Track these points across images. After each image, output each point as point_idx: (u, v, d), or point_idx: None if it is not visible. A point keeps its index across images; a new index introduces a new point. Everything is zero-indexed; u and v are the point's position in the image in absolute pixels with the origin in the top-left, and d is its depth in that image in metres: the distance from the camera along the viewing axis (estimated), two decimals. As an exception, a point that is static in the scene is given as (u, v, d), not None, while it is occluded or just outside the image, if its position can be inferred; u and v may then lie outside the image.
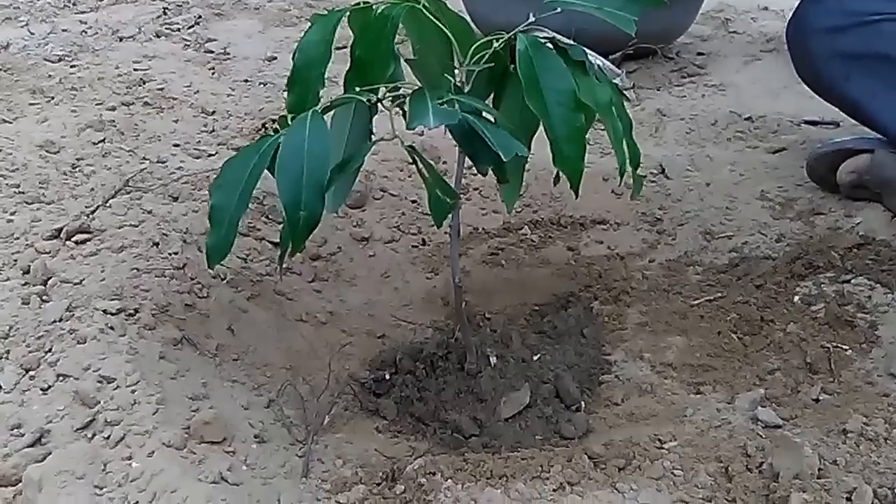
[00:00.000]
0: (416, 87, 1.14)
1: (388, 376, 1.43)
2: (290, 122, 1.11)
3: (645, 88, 2.51)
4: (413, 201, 1.88)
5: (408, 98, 1.14)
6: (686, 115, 2.32)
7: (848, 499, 1.04)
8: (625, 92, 1.32)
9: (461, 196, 1.28)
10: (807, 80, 1.85)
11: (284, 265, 1.59)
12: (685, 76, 2.60)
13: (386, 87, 1.18)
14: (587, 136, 1.18)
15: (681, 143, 2.18)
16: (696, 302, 1.54)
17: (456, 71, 1.20)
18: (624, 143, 1.25)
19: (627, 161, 1.26)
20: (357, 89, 1.17)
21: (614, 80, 1.29)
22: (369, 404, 1.40)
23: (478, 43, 1.20)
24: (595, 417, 1.36)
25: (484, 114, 1.13)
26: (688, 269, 1.66)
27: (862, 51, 1.59)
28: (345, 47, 1.17)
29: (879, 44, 1.55)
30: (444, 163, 1.95)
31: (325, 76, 1.18)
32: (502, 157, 1.07)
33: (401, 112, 1.16)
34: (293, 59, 1.19)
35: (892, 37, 1.48)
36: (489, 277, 1.73)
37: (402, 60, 1.22)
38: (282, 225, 1.13)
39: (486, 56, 1.20)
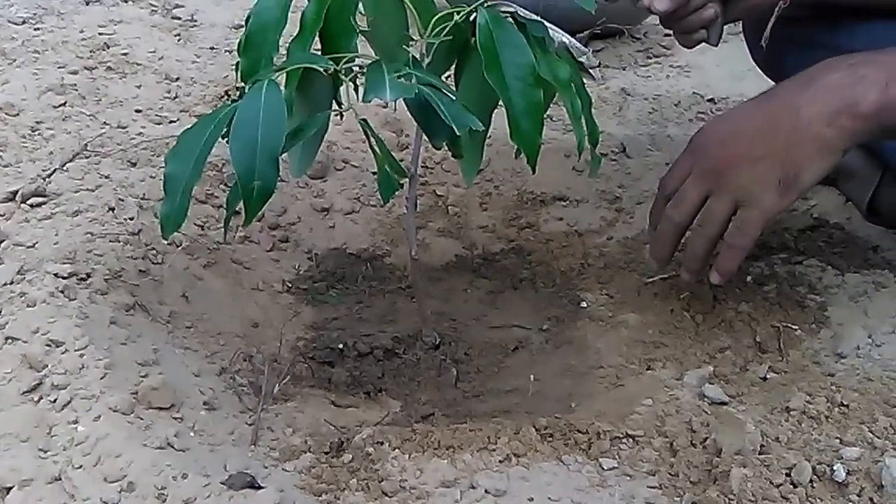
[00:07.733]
0: (373, 59, 1.14)
1: (341, 347, 1.43)
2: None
3: (610, 68, 2.50)
4: (374, 173, 1.86)
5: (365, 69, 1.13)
6: (650, 95, 2.31)
7: (787, 474, 1.05)
8: (590, 70, 1.32)
9: (420, 169, 1.28)
10: (762, 67, 1.85)
11: (243, 234, 1.60)
12: (651, 56, 2.59)
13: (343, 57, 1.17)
14: (548, 113, 1.18)
15: (643, 122, 2.18)
16: (650, 280, 1.55)
17: (416, 43, 1.20)
18: (583, 120, 1.26)
19: (585, 138, 1.27)
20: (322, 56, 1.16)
21: (580, 59, 1.29)
22: (322, 374, 1.40)
23: (439, 15, 1.20)
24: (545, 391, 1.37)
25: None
26: (645, 247, 1.66)
27: (820, 42, 1.59)
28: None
29: (839, 38, 1.55)
30: (407, 135, 1.94)
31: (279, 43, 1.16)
32: (456, 130, 1.07)
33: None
34: (246, 23, 1.17)
35: (850, 31, 1.49)
36: (447, 251, 1.74)
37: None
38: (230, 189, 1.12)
39: (447, 29, 1.20)
